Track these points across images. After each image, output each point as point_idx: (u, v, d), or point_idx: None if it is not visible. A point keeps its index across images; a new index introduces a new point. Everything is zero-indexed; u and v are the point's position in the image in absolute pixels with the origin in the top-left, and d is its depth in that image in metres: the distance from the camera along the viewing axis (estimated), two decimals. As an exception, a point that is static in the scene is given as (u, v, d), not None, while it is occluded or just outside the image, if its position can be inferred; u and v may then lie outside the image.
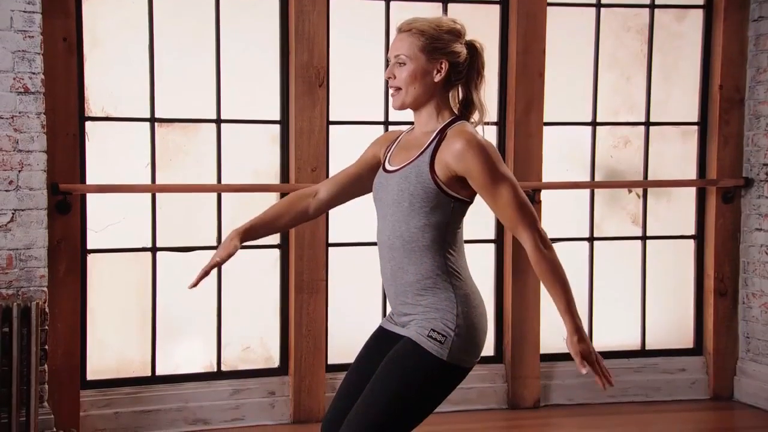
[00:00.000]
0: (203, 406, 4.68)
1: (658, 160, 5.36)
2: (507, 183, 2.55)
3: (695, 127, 5.39)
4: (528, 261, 5.28)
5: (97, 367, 4.58)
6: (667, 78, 5.37)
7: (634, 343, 5.37)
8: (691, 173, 5.40)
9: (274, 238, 4.83)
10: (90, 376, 4.55)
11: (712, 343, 5.35)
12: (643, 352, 5.36)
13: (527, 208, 2.56)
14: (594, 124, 5.27)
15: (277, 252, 4.85)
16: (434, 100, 2.64)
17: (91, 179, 4.50)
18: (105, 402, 4.52)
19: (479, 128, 2.68)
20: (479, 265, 4.79)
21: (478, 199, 2.66)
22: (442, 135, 2.59)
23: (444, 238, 2.58)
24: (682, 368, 5.36)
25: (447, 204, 2.58)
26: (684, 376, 5.35)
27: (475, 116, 2.68)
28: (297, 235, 4.74)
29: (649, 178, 5.35)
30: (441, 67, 2.61)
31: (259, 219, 2.83)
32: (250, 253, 4.82)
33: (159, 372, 4.68)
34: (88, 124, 4.52)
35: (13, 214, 4.11)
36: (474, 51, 2.66)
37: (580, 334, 2.58)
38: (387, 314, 2.74)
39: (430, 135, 2.62)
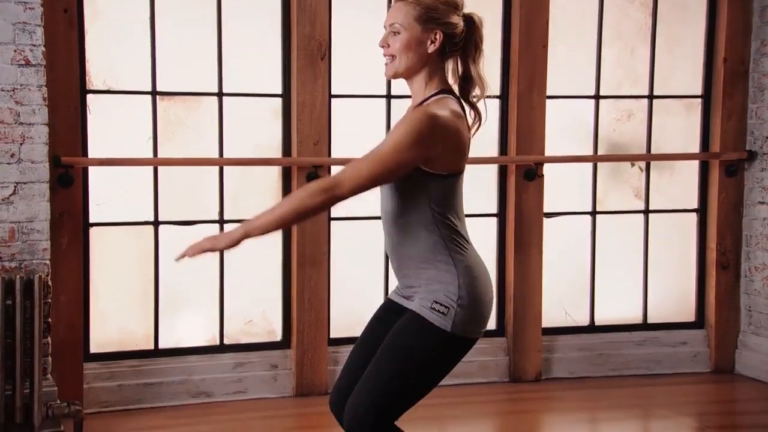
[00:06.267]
0: (206, 379, 4.70)
1: (661, 134, 5.35)
2: (382, 156, 2.48)
3: (699, 100, 5.37)
4: (530, 234, 5.30)
5: (100, 339, 4.60)
6: (671, 50, 5.34)
7: (636, 317, 5.38)
8: (695, 147, 5.38)
9: (277, 212, 4.82)
10: (93, 349, 4.57)
11: (714, 317, 5.36)
12: (645, 326, 5.37)
13: (360, 173, 2.47)
14: (597, 97, 5.24)
15: (279, 226, 4.84)
16: (425, 71, 2.62)
17: (92, 153, 4.50)
18: (108, 375, 4.54)
19: (481, 103, 2.65)
20: (481, 239, 4.76)
21: (474, 174, 2.64)
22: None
23: (434, 212, 2.56)
24: (684, 341, 5.37)
25: (420, 179, 2.54)
26: (686, 349, 5.37)
27: (477, 91, 2.66)
28: (299, 208, 4.73)
29: (652, 151, 5.33)
30: (435, 37, 2.59)
31: None
32: (253, 227, 4.82)
33: (162, 345, 4.70)
34: (89, 97, 4.50)
35: (15, 187, 4.11)
36: (472, 24, 2.64)
37: (230, 236, 2.55)
38: (395, 286, 2.74)
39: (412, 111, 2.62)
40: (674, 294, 5.45)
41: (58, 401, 4.12)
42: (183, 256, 2.61)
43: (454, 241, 2.58)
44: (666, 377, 5.26)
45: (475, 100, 2.65)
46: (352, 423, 2.53)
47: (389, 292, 2.72)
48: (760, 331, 5.26)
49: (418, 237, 2.57)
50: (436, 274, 2.56)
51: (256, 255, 4.84)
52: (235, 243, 2.56)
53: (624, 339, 5.30)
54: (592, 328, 5.30)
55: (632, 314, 5.38)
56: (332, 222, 4.87)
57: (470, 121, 2.65)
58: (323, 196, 2.47)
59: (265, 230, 2.56)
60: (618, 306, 5.35)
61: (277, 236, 4.85)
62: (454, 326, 2.53)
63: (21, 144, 4.10)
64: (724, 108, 5.26)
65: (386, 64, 2.65)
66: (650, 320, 5.39)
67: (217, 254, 4.74)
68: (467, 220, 2.68)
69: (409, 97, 2.70)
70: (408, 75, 2.64)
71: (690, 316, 5.45)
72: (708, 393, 5.07)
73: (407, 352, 2.54)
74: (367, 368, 2.57)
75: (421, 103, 2.60)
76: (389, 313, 2.69)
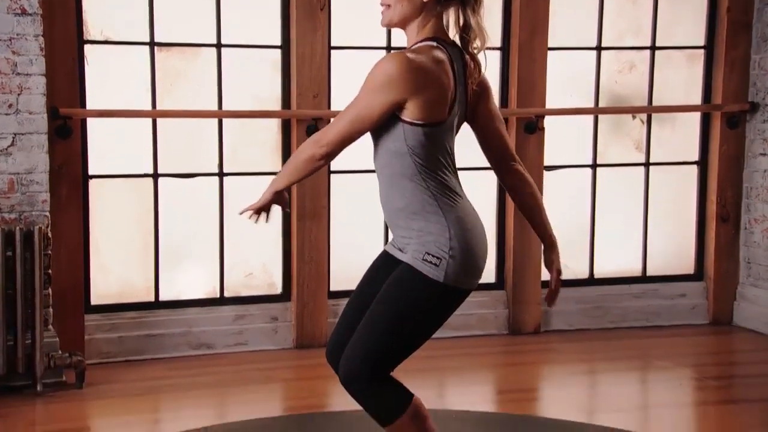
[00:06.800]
0: (207, 331, 4.72)
1: (663, 86, 5.32)
2: (355, 103, 2.53)
3: (701, 51, 5.33)
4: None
5: (101, 291, 4.61)
6: (673, 0, 5.28)
7: (635, 269, 5.39)
8: (696, 98, 5.35)
9: (276, 165, 4.82)
10: (94, 301, 4.58)
11: (713, 269, 5.37)
12: (644, 278, 5.39)
13: (338, 123, 2.54)
14: (599, 48, 5.20)
15: (278, 178, 4.83)
16: (419, 20, 2.59)
17: (91, 104, 4.47)
18: (109, 326, 4.56)
19: (481, 55, 2.62)
20: (480, 193, 4.77)
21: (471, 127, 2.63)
22: None
23: (417, 163, 2.53)
24: (683, 294, 5.39)
25: (398, 129, 2.52)
26: (684, 301, 5.39)
27: (477, 42, 2.63)
28: (299, 161, 4.71)
29: (654, 103, 5.31)
30: None
31: None
32: (252, 180, 4.81)
33: (162, 297, 4.71)
34: (87, 47, 4.47)
35: (13, 138, 4.09)
36: None
37: (263, 196, 2.74)
38: (391, 238, 2.74)
39: None
40: (674, 246, 5.46)
41: (60, 352, 4.15)
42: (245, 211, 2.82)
43: (442, 193, 2.55)
44: (664, 329, 5.29)
45: (475, 51, 2.62)
46: (347, 374, 2.54)
47: (386, 245, 2.71)
48: (759, 283, 5.28)
49: (405, 188, 2.56)
50: (427, 226, 2.55)
51: (255, 208, 4.83)
52: (268, 201, 2.76)
53: (623, 291, 5.32)
54: (591, 281, 5.31)
55: (631, 267, 5.39)
56: (332, 175, 4.86)
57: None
58: (312, 160, 2.59)
59: (285, 185, 2.72)
60: (617, 259, 5.36)
61: (276, 189, 4.83)
62: (447, 277, 2.52)
63: (19, 94, 4.08)
64: (727, 59, 5.22)
65: (382, 13, 2.63)
66: (649, 273, 5.40)
67: (216, 207, 4.76)
68: (466, 173, 2.67)
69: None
70: (403, 24, 2.61)
71: (689, 268, 5.46)
72: (706, 344, 5.10)
73: (401, 304, 2.54)
74: (362, 320, 2.58)
75: None
76: (385, 264, 2.69)
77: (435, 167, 2.55)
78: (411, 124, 2.50)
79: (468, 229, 2.57)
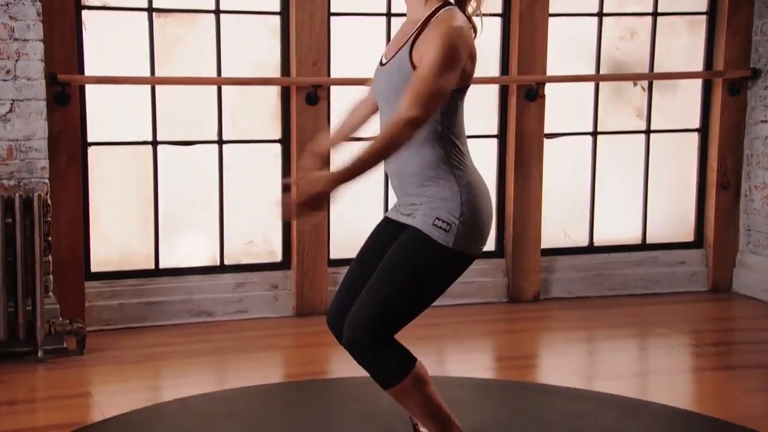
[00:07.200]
0: (207, 299, 4.73)
1: (664, 52, 5.29)
2: (433, 73, 2.44)
3: (703, 17, 5.29)
4: (530, 155, 5.27)
5: (102, 259, 4.62)
6: (675, -34, 5.25)
7: (635, 237, 5.40)
8: (698, 65, 5.33)
9: (276, 132, 4.80)
10: (94, 268, 4.59)
11: (713, 236, 5.38)
12: (643, 246, 5.39)
13: (427, 100, 2.44)
14: (600, 14, 5.16)
15: (278, 147, 4.82)
16: None
17: (89, 71, 4.45)
18: (110, 293, 4.57)
19: (477, 19, 2.61)
20: (481, 160, 4.72)
21: (475, 94, 2.62)
22: (425, 24, 2.54)
23: (440, 128, 2.55)
24: (682, 261, 5.40)
25: None
26: (683, 268, 5.40)
27: (474, 4, 2.61)
28: (298, 130, 4.70)
29: (655, 70, 5.28)
30: None
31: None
32: (252, 148, 4.80)
33: (162, 265, 4.72)
34: (84, 13, 4.44)
35: (11, 104, 4.08)
36: None
37: (333, 180, 2.41)
38: (393, 205, 2.74)
39: (415, 25, 2.58)
40: (674, 214, 5.46)
41: (61, 319, 4.16)
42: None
43: (457, 158, 2.58)
44: (664, 296, 5.30)
45: (470, 11, 2.61)
46: (351, 338, 2.55)
47: (387, 211, 2.70)
48: (759, 250, 5.28)
49: (421, 153, 2.56)
50: (438, 191, 2.56)
51: (255, 176, 4.83)
52: (323, 194, 2.42)
53: (623, 259, 5.32)
54: (591, 249, 5.32)
55: (631, 235, 5.40)
56: (332, 143, 4.83)
57: None
58: (407, 141, 2.44)
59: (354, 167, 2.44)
60: (617, 226, 5.36)
61: (276, 156, 4.83)
62: (456, 242, 2.54)
63: (16, 60, 4.06)
64: (729, 25, 5.19)
65: None
66: (649, 240, 5.40)
67: (216, 175, 4.75)
68: (468, 141, 2.67)
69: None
70: None
71: (689, 236, 5.46)
72: (705, 311, 5.12)
73: (408, 268, 2.55)
74: (367, 284, 2.58)
75: (428, 18, 2.54)
76: (387, 231, 2.70)
77: (455, 132, 2.59)
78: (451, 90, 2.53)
79: (478, 195, 2.59)
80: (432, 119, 2.52)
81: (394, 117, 2.46)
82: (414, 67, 2.50)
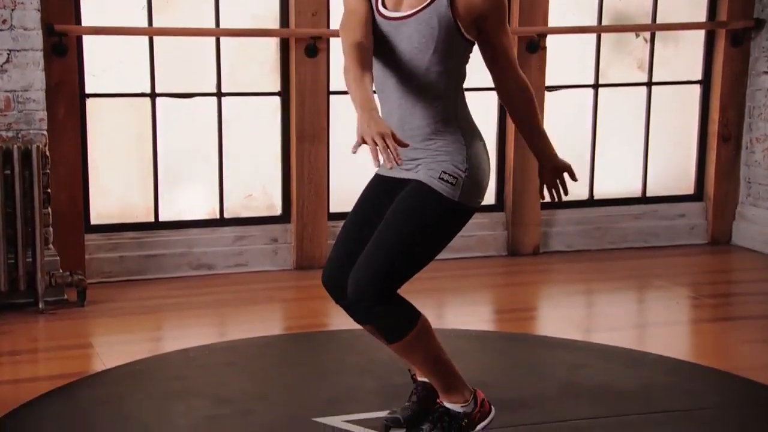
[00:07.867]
0: (207, 252, 4.74)
1: (667, 3, 5.23)
2: (508, 35, 2.61)
3: (708, -34, 5.24)
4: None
5: (101, 211, 4.62)
6: None
7: (635, 190, 5.39)
8: (701, 17, 5.27)
9: (275, 85, 4.77)
10: (94, 221, 4.59)
11: (713, 189, 5.37)
12: (643, 199, 5.38)
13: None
14: (602, -35, 5.11)
15: (277, 99, 4.79)
16: None
17: (86, 22, 4.40)
18: (110, 246, 4.58)
19: None
20: (481, 114, 4.70)
21: (475, 46, 2.62)
22: None
23: (457, 82, 2.59)
24: (682, 214, 5.40)
25: (462, 48, 2.57)
26: (683, 221, 5.40)
27: None
28: (298, 82, 4.67)
29: (658, 21, 5.23)
30: None
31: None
32: (251, 101, 4.78)
33: (162, 218, 4.72)
34: (80, -37, 4.39)
35: (8, 54, 4.05)
36: None
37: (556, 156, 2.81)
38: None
39: None
40: (674, 167, 5.45)
41: (61, 271, 4.17)
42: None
43: (463, 111, 2.61)
44: (663, 249, 5.31)
45: None
46: (356, 293, 2.54)
47: (378, 168, 2.66)
48: (759, 203, 5.28)
49: (435, 107, 2.56)
50: (444, 144, 2.57)
51: (254, 129, 4.81)
52: None
53: (622, 212, 5.32)
54: (590, 202, 5.31)
55: (631, 188, 5.39)
56: (331, 96, 4.81)
57: None
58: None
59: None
60: (617, 180, 5.35)
61: (275, 110, 4.81)
62: (461, 195, 2.56)
63: (13, 10, 4.02)
64: (733, -27, 5.14)
65: None
66: (649, 194, 5.40)
67: (215, 128, 4.72)
68: (469, 94, 2.68)
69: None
70: None
71: (689, 189, 5.45)
72: (704, 264, 5.13)
73: (414, 222, 2.55)
74: (372, 238, 2.58)
75: None
76: (381, 188, 2.70)
77: (462, 85, 2.63)
78: (470, 42, 2.57)
79: (481, 148, 2.63)
80: (454, 71, 2.56)
81: (527, 92, 2.64)
82: (456, 18, 2.49)
